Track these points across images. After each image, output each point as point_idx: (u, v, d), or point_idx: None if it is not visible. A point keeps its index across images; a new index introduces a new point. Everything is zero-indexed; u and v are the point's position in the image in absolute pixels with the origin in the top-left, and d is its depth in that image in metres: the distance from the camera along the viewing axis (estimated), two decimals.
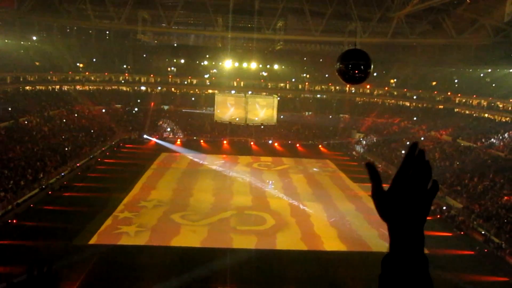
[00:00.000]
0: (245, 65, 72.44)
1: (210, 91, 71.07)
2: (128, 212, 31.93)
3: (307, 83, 75.05)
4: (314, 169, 49.11)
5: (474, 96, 57.77)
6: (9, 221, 28.39)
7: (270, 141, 61.50)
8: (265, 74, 74.99)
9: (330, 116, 69.25)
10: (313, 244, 28.03)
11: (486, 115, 55.51)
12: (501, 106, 53.99)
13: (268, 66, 75.48)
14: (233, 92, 68.34)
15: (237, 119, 57.63)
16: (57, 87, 63.28)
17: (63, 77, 64.00)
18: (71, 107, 59.14)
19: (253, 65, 72.71)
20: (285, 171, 47.59)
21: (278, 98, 61.45)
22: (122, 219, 30.62)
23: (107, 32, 71.05)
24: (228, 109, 58.93)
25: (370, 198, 1.51)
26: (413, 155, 1.46)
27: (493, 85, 58.25)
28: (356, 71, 4.27)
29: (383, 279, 1.40)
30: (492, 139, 46.89)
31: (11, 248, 24.71)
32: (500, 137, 46.71)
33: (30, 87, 58.78)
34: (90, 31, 69.29)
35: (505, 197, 33.99)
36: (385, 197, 1.47)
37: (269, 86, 73.09)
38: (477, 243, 29.60)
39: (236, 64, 71.83)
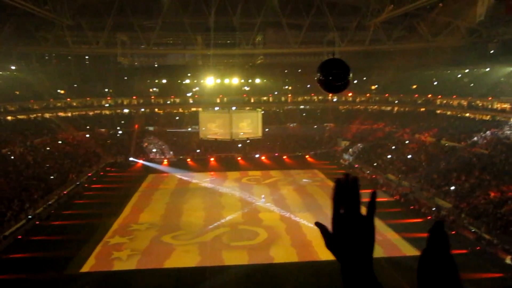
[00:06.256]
0: (227, 81, 72.73)
1: (193, 109, 71.05)
2: (119, 237, 31.57)
3: (289, 95, 75.50)
4: (303, 180, 49.20)
5: (454, 96, 58.66)
6: None
7: (257, 155, 61.51)
8: (247, 89, 75.29)
9: (315, 126, 69.61)
10: (307, 255, 27.97)
11: (467, 114, 56.37)
12: (480, 104, 54.90)
13: (250, 81, 75.84)
14: (216, 108, 68.49)
15: (222, 135, 57.69)
16: (39, 115, 62.66)
17: (45, 104, 63.42)
18: (55, 135, 58.48)
19: (235, 81, 73.04)
20: (274, 184, 47.59)
21: (262, 112, 61.76)
22: (114, 244, 30.25)
23: (87, 57, 71.00)
24: (213, 126, 59.02)
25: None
26: (339, 191, 1.56)
27: (471, 84, 59.29)
28: (336, 80, 4.35)
29: None
30: (475, 138, 47.58)
31: (1, 283, 24.17)
32: (483, 135, 47.43)
33: (11, 117, 58.15)
34: (69, 57, 69.19)
35: (492, 193, 34.42)
36: (333, 242, 1.54)
37: (252, 101, 73.40)
38: (469, 241, 29.86)
39: (218, 81, 72.09)
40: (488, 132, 47.41)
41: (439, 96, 61.43)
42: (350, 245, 1.49)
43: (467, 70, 61.83)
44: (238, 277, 24.69)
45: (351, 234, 1.50)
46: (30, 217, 34.27)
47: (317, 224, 1.59)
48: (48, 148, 53.13)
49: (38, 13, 43.10)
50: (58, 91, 66.75)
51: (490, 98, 52.95)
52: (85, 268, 26.16)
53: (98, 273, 25.50)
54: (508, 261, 26.15)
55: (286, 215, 36.08)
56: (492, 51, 54.04)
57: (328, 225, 1.58)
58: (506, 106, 50.79)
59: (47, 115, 63.75)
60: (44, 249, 28.50)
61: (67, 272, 25.48)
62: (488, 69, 57.25)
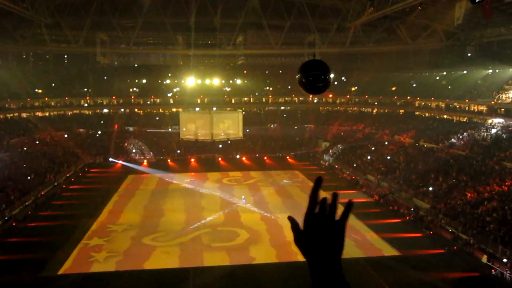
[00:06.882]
0: (207, 81, 72.44)
1: (174, 109, 70.61)
2: (98, 238, 31.15)
3: (270, 96, 75.66)
4: (284, 180, 49.33)
5: (432, 98, 59.57)
6: None
7: (237, 156, 61.44)
8: (228, 89, 75.17)
9: (296, 127, 69.89)
10: (287, 255, 28.00)
11: (445, 116, 57.31)
12: (458, 106, 55.92)
13: (231, 82, 75.74)
14: (197, 109, 68.20)
15: (203, 136, 57.46)
16: (16, 114, 61.40)
17: (22, 104, 62.21)
18: (32, 135, 57.41)
19: (216, 81, 72.82)
20: (254, 185, 47.60)
21: (243, 113, 61.75)
22: (92, 246, 29.83)
23: (65, 56, 69.96)
24: (193, 126, 58.76)
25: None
26: (316, 192, 1.60)
27: (449, 87, 60.32)
28: (317, 81, 4.38)
29: None
30: (453, 139, 48.43)
31: None
32: (460, 137, 48.31)
33: None
34: (48, 56, 68.10)
35: (469, 194, 35.06)
36: (302, 238, 1.57)
37: (233, 101, 73.27)
38: (446, 241, 30.35)
39: (199, 81, 71.73)
40: (465, 134, 48.31)
41: (418, 98, 62.36)
42: (319, 244, 1.52)
43: (445, 73, 62.92)
44: (218, 278, 24.59)
45: (321, 235, 1.53)
46: (6, 218, 33.57)
47: (290, 218, 1.62)
48: (25, 148, 52.09)
49: (16, 11, 42.26)
50: (36, 90, 65.57)
51: (467, 100, 54.01)
52: (63, 270, 25.72)
53: (76, 275, 25.10)
54: (484, 260, 26.66)
55: (267, 216, 36.10)
56: (469, 54, 55.13)
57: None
58: (483, 108, 51.80)
59: (24, 115, 62.56)
60: (20, 251, 27.93)
61: (44, 275, 25.02)
62: (465, 72, 58.38)
